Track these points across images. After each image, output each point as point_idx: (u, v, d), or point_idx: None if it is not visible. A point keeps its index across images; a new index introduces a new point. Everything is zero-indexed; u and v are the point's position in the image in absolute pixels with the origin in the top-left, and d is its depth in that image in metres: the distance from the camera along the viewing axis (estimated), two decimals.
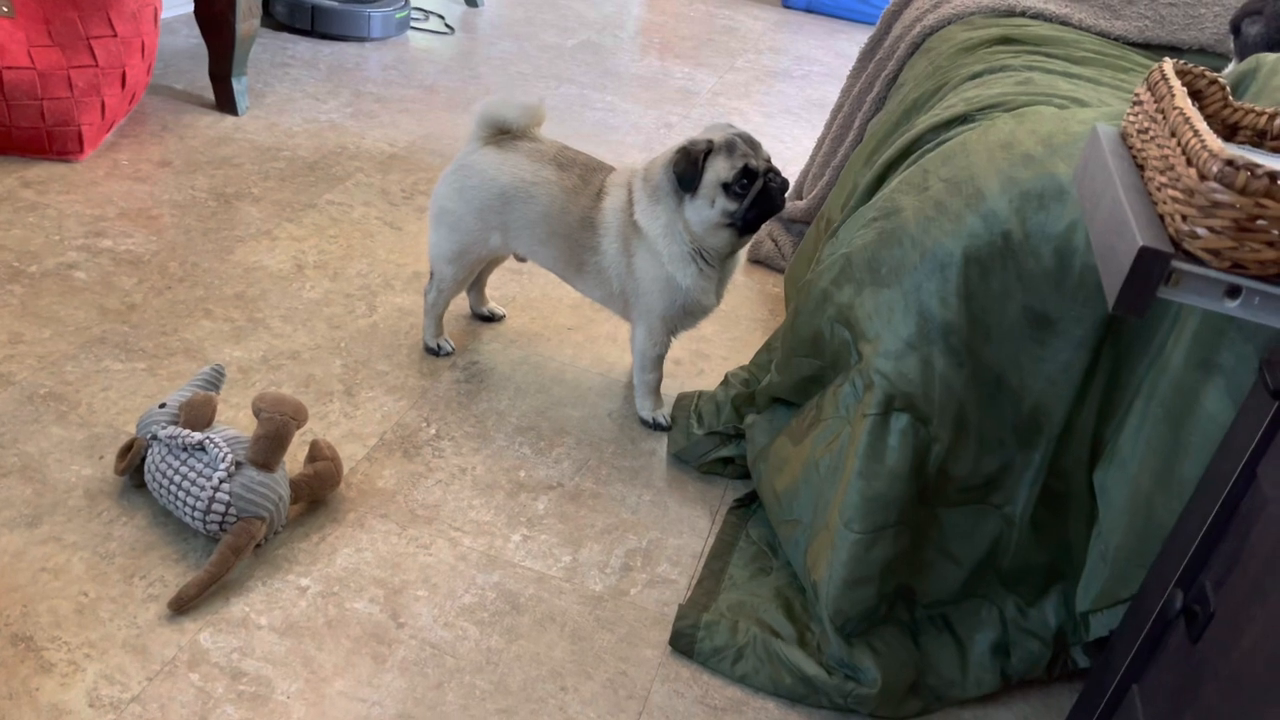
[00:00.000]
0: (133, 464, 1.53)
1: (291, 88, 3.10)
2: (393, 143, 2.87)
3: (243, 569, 1.46)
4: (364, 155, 2.77)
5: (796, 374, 1.64)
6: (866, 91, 2.32)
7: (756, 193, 1.70)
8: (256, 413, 1.50)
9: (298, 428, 1.51)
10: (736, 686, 1.43)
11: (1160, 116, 0.85)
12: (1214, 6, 2.00)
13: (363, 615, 1.43)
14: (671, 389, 2.03)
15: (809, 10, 5.17)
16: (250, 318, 2.01)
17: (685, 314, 1.84)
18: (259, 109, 2.91)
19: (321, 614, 1.42)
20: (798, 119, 3.68)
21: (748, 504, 1.76)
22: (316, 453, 1.60)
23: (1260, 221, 0.71)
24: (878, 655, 1.39)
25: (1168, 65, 0.93)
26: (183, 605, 1.37)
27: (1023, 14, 2.05)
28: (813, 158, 2.68)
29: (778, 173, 1.72)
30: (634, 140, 3.23)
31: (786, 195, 2.87)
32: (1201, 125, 0.77)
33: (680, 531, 1.69)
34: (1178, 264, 0.73)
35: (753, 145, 1.72)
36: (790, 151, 3.35)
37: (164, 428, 1.51)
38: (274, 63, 3.27)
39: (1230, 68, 1.49)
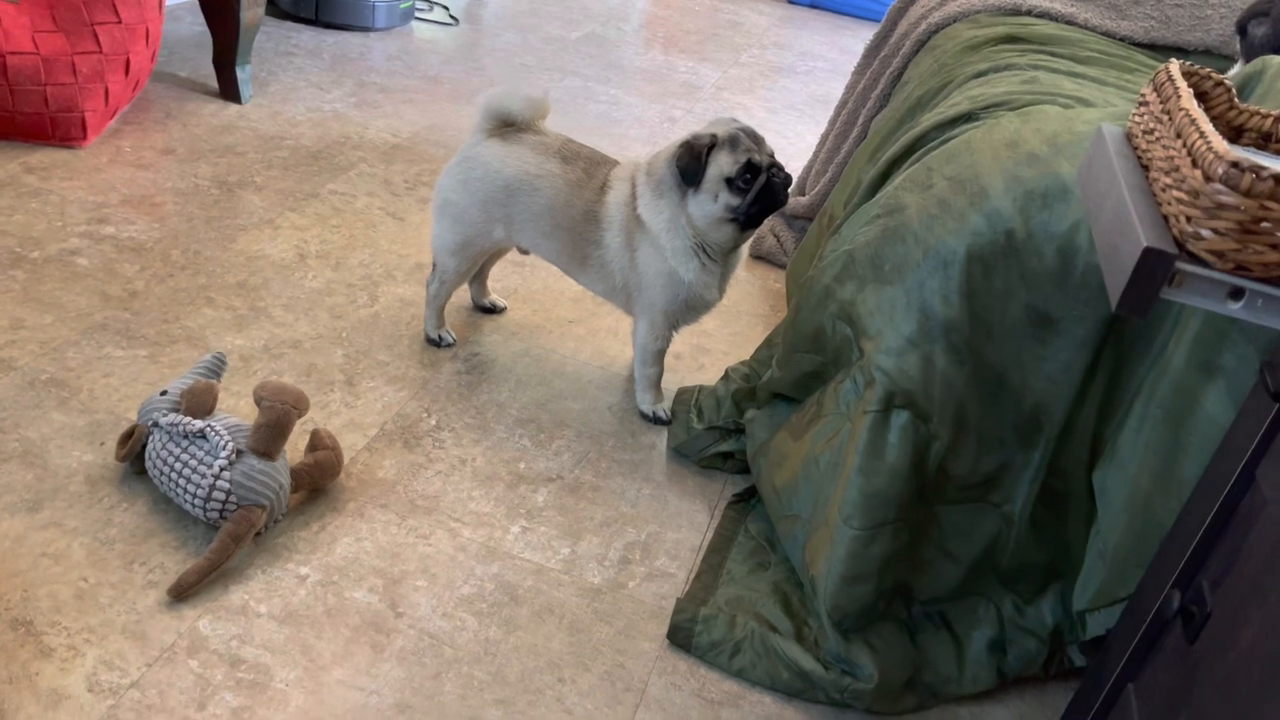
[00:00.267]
0: (133, 451, 1.53)
1: (295, 77, 3.10)
2: (396, 133, 2.87)
3: (242, 557, 1.46)
4: (367, 145, 2.76)
5: (797, 370, 1.64)
6: (871, 88, 2.32)
7: (760, 188, 1.70)
8: (258, 401, 1.50)
9: (299, 417, 1.51)
10: (733, 680, 1.44)
11: (1166, 118, 0.85)
12: (1220, 8, 2.00)
13: (362, 605, 1.43)
14: (672, 383, 2.03)
15: (814, 6, 5.17)
16: (252, 306, 2.01)
17: (687, 309, 1.84)
18: (262, 97, 2.91)
19: (321, 603, 1.42)
20: (801, 115, 3.68)
21: (747, 499, 1.76)
22: (317, 442, 1.60)
23: (1264, 224, 0.71)
24: (874, 651, 1.40)
25: (1174, 66, 0.93)
26: (182, 592, 1.37)
27: (1028, 13, 2.05)
28: (816, 154, 2.68)
29: (781, 168, 1.72)
30: (637, 134, 3.23)
31: (789, 191, 2.87)
32: (1207, 127, 0.77)
33: (679, 525, 1.70)
34: (1181, 265, 0.73)
35: (756, 140, 1.72)
36: (794, 147, 3.35)
37: (165, 415, 1.51)
38: (278, 51, 3.26)
39: (1236, 69, 1.49)
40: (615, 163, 1.87)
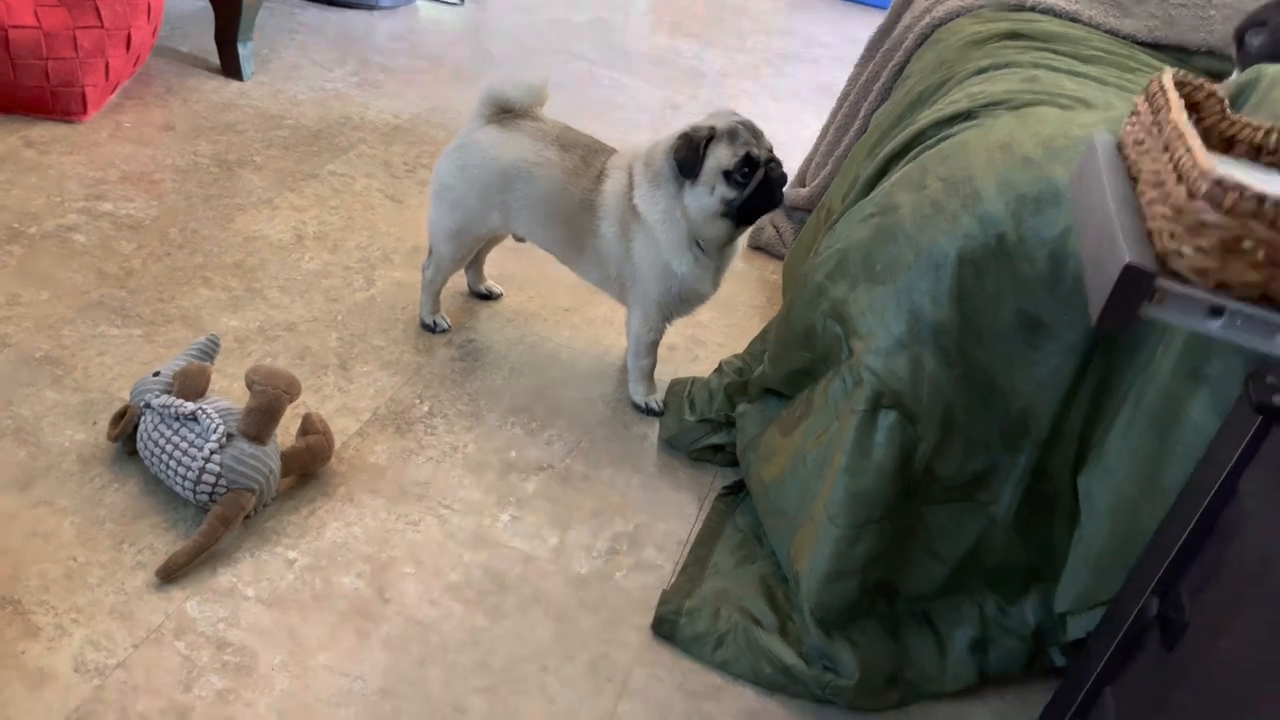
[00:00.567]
0: (125, 431, 1.54)
1: (298, 54, 3.09)
2: (397, 114, 2.86)
3: (231, 540, 1.47)
4: (368, 126, 2.76)
5: (788, 366, 1.64)
6: (873, 81, 2.31)
7: (757, 182, 1.70)
8: (250, 385, 1.50)
9: (290, 401, 1.52)
10: (716, 673, 1.45)
11: (1155, 130, 0.85)
12: (1224, 9, 1.99)
13: (349, 590, 1.44)
14: (666, 374, 2.03)
15: None
16: (248, 287, 2.02)
17: (681, 301, 1.84)
18: (264, 75, 2.90)
19: (308, 587, 1.43)
20: (806, 103, 3.66)
21: (736, 492, 1.77)
22: (309, 426, 1.61)
23: (1246, 243, 0.71)
24: (856, 648, 1.41)
25: (1167, 76, 0.92)
26: (171, 574, 1.38)
27: (1032, 9, 2.03)
28: (817, 145, 2.67)
29: (779, 163, 1.72)
30: (639, 119, 3.22)
31: (789, 181, 2.86)
32: (1195, 142, 0.77)
33: (668, 517, 1.71)
34: (1162, 282, 0.73)
35: (755, 134, 1.71)
36: (797, 137, 3.33)
37: (158, 396, 1.52)
38: (281, 28, 3.25)
39: (1233, 77, 1.48)
40: (613, 151, 1.86)
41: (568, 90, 3.31)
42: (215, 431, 1.45)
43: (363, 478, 1.64)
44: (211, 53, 2.92)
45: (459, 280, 2.16)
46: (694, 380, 1.96)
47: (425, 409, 1.82)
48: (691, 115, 3.36)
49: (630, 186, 1.78)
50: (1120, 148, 0.93)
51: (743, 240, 1.86)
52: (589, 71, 3.50)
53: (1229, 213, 0.70)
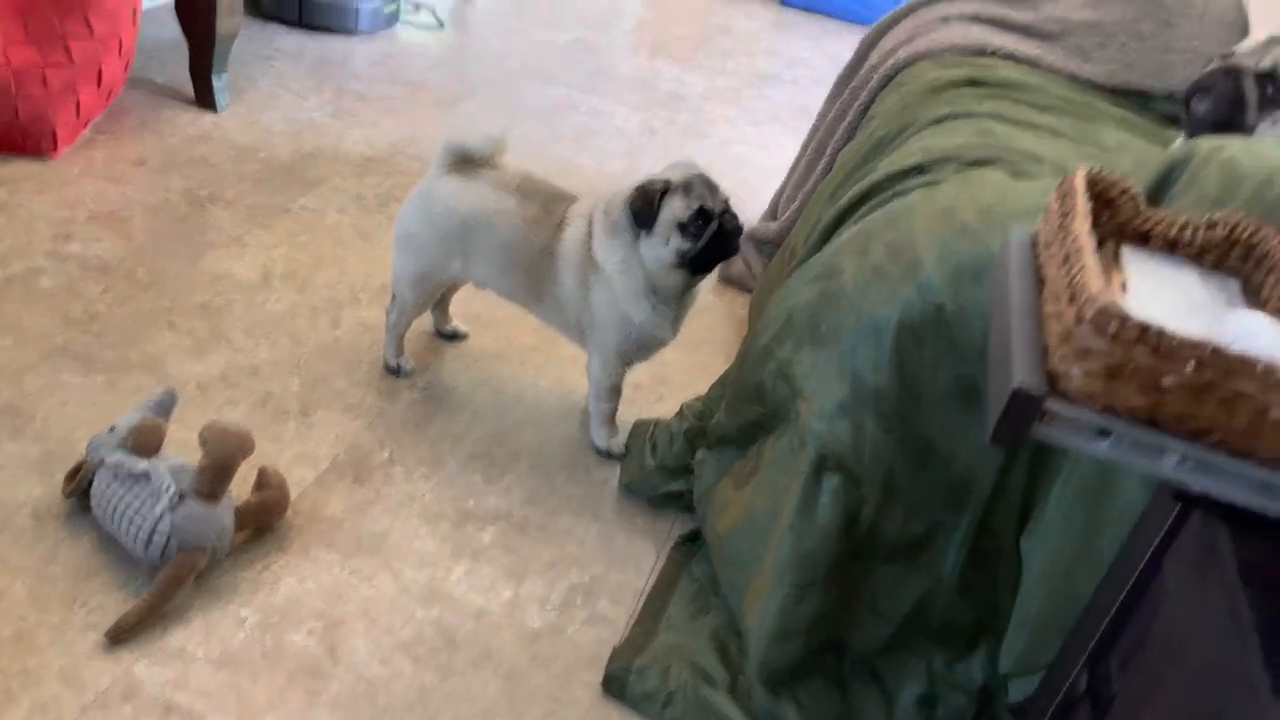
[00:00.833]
0: (80, 486, 1.55)
1: (274, 83, 3.10)
2: (372, 144, 2.87)
3: (183, 598, 1.48)
4: (342, 157, 2.77)
5: (742, 418, 1.65)
6: (839, 119, 2.32)
7: (711, 234, 1.71)
8: (202, 443, 1.51)
9: (243, 458, 1.53)
10: None
11: (1061, 236, 0.86)
12: (1184, 54, 2.00)
13: (300, 648, 1.45)
14: (631, 414, 2.04)
15: (805, 9, 5.14)
16: (213, 330, 2.03)
17: (639, 348, 1.85)
18: (239, 105, 2.91)
19: (259, 646, 1.44)
20: (785, 127, 3.67)
21: (694, 539, 1.78)
22: (264, 480, 1.62)
23: (1130, 369, 0.72)
24: (801, 708, 1.42)
25: (1079, 176, 0.94)
26: (120, 635, 1.39)
27: (994, 54, 2.04)
28: (788, 178, 2.68)
29: (734, 215, 1.73)
30: (616, 146, 3.23)
31: (761, 214, 2.86)
32: (1090, 260, 0.78)
33: (624, 566, 1.72)
34: (1051, 404, 0.74)
35: (710, 187, 1.72)
36: (774, 162, 3.34)
37: (111, 453, 1.53)
38: (259, 55, 3.26)
39: (1180, 141, 1.50)
40: (574, 199, 1.87)
41: (545, 116, 3.32)
42: (167, 491, 1.46)
43: (319, 530, 1.65)
44: (187, 83, 2.93)
45: (425, 321, 2.17)
46: (657, 423, 1.97)
47: (385, 456, 1.83)
48: (669, 141, 3.37)
49: (589, 236, 1.80)
50: (1034, 245, 0.94)
51: (707, 282, 1.86)
52: (567, 96, 3.51)
53: (1113, 340, 0.71)
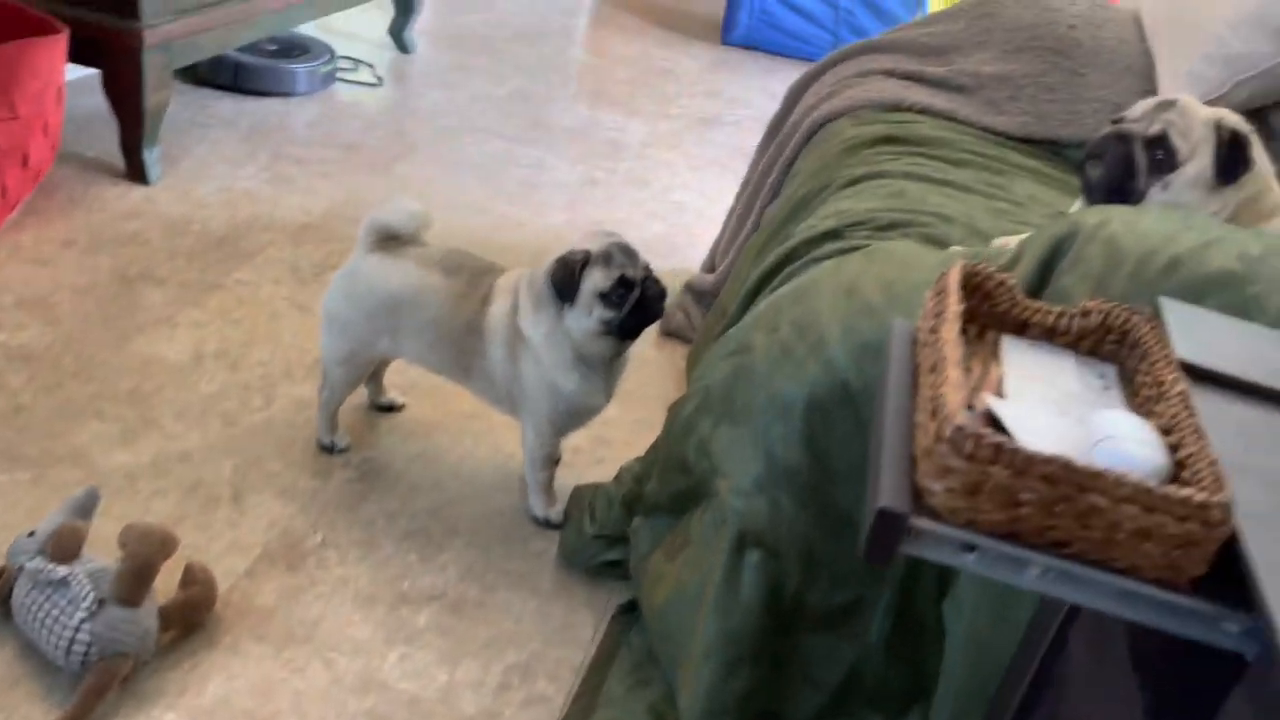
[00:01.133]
0: (2, 594, 1.52)
1: (209, 151, 3.09)
2: (308, 211, 2.87)
3: (108, 705, 1.46)
4: (277, 225, 2.76)
5: (672, 487, 1.66)
6: (766, 175, 2.35)
7: (634, 302, 1.72)
8: (121, 546, 1.50)
9: (165, 559, 1.51)
10: None
11: (933, 338, 0.88)
12: (1092, 103, 2.05)
13: None
14: (571, 478, 2.04)
15: (747, 47, 5.21)
16: (142, 416, 2.01)
17: (571, 417, 1.86)
18: (172, 176, 2.90)
19: None
20: (725, 170, 3.71)
21: (633, 608, 1.78)
22: (190, 577, 1.60)
23: (988, 486, 0.73)
24: None
25: (955, 273, 0.95)
26: None
27: (909, 108, 2.08)
28: (724, 229, 2.71)
29: (655, 281, 1.75)
30: (557, 200, 3.24)
31: (702, 262, 2.88)
32: (953, 372, 0.80)
33: (563, 641, 1.71)
34: (915, 521, 0.75)
35: (629, 255, 1.74)
36: (715, 208, 3.37)
37: (31, 559, 1.51)
38: (193, 122, 3.25)
39: (1078, 204, 1.53)
40: (501, 271, 1.88)
41: (485, 171, 3.33)
42: (86, 599, 1.44)
43: (249, 622, 1.63)
44: (118, 155, 2.91)
45: (361, 394, 2.16)
46: (597, 488, 1.96)
47: (318, 539, 1.81)
48: (610, 191, 3.40)
49: (515, 309, 1.80)
50: (914, 341, 0.96)
51: (649, 335, 1.87)
52: (508, 149, 3.53)
53: (970, 459, 0.73)
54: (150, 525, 1.53)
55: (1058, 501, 0.73)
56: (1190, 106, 1.40)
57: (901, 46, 2.26)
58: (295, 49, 3.66)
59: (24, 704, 1.44)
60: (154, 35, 2.64)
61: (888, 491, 0.75)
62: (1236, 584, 0.73)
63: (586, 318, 1.73)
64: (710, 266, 2.72)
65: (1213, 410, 0.87)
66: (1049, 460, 0.72)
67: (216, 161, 3.04)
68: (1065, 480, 0.72)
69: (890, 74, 2.18)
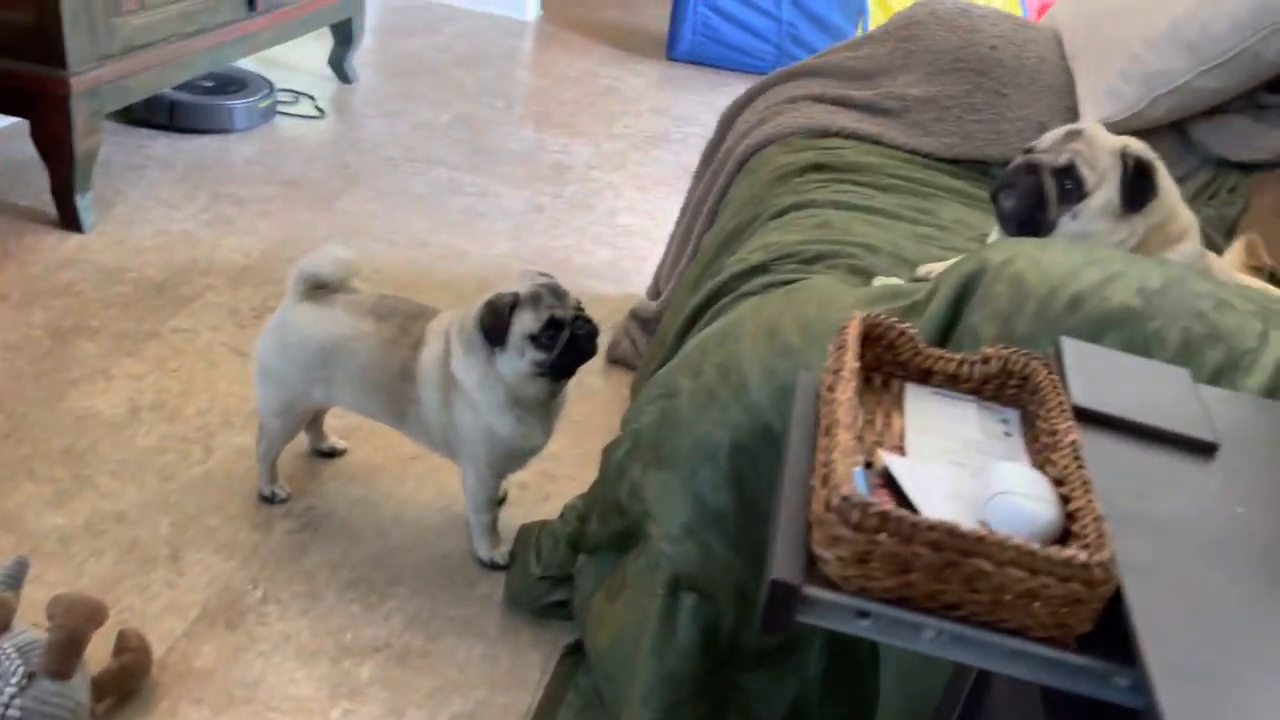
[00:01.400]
0: None
1: (145, 194, 3.05)
2: (247, 252, 2.84)
3: None
4: (216, 269, 2.73)
5: (610, 527, 1.65)
6: (702, 202, 2.36)
7: (565, 342, 1.72)
8: (50, 617, 1.47)
9: (95, 629, 1.49)
10: None
11: (829, 397, 0.89)
12: (1016, 122, 2.08)
13: None
14: (517, 517, 2.03)
15: (693, 62, 5.23)
16: (76, 475, 1.97)
17: (509, 460, 1.85)
18: (107, 222, 2.86)
19: None
20: (672, 190, 3.72)
21: (580, 649, 1.77)
22: (124, 644, 1.57)
23: (877, 554, 0.74)
24: None
25: (854, 326, 0.96)
26: None
27: (838, 133, 2.10)
28: (667, 253, 2.72)
29: (586, 321, 1.75)
30: (501, 228, 3.24)
31: (647, 287, 2.88)
32: (844, 435, 0.80)
33: (510, 686, 1.70)
34: (809, 590, 0.75)
35: (559, 295, 1.74)
36: (661, 230, 3.37)
37: None
38: (128, 164, 3.21)
39: (995, 234, 1.55)
40: (434, 315, 1.87)
41: (428, 202, 3.32)
42: (15, 674, 1.41)
43: (187, 686, 1.61)
44: (50, 204, 2.87)
45: (302, 440, 2.14)
46: (543, 526, 1.95)
47: (259, 595, 1.79)
48: (555, 216, 3.40)
49: (447, 353, 1.79)
50: (818, 395, 0.97)
51: (573, 385, 1.86)
52: (451, 178, 3.52)
53: (857, 529, 0.73)
54: (78, 595, 1.51)
55: (945, 567, 0.73)
56: (1097, 136, 1.43)
57: (829, 71, 2.28)
58: (232, 84, 3.63)
59: None
60: (81, 82, 2.60)
61: (780, 562, 0.75)
62: (1125, 638, 0.74)
63: (518, 360, 1.73)
64: (655, 292, 2.72)
65: (1105, 456, 0.88)
66: (933, 527, 0.73)
67: (153, 204, 3.00)
68: (950, 546, 0.73)
69: (819, 99, 2.20)
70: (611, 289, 3.00)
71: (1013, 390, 1.00)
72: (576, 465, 2.24)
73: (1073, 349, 1.03)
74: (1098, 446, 0.89)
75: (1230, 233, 1.89)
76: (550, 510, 2.08)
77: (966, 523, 0.78)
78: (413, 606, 1.82)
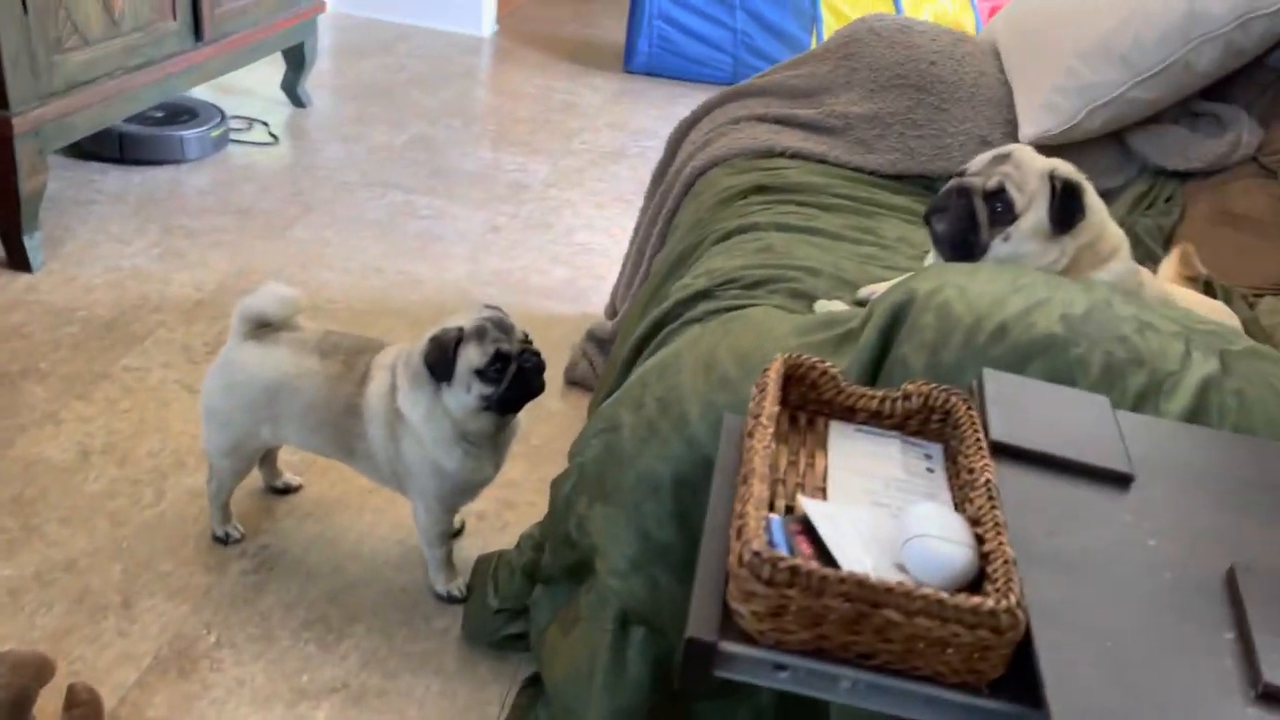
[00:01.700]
0: None
1: (95, 230, 3.02)
2: (200, 286, 2.81)
3: None
4: (168, 305, 2.71)
5: (562, 560, 1.65)
6: (653, 224, 2.37)
7: (511, 376, 1.72)
8: None
9: (42, 686, 1.47)
10: None
11: (747, 443, 0.89)
12: (958, 137, 2.10)
13: None
14: (475, 547, 2.03)
15: (650, 74, 5.24)
16: (25, 525, 1.95)
17: (459, 494, 1.85)
18: (56, 261, 2.83)
19: None
20: (629, 206, 3.72)
21: (538, 681, 1.77)
22: (73, 699, 1.55)
23: (791, 608, 0.74)
24: None
25: (775, 368, 0.97)
26: None
27: (782, 153, 2.11)
28: (621, 273, 2.72)
29: (533, 354, 1.74)
30: (458, 251, 3.23)
31: (605, 307, 2.88)
32: (758, 486, 0.81)
33: None
34: (725, 646, 0.76)
35: (504, 329, 1.74)
36: (619, 248, 3.38)
37: None
38: (78, 200, 3.17)
39: (931, 258, 1.56)
40: (379, 349, 1.86)
41: (384, 227, 3.30)
42: None
43: None
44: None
45: (256, 477, 2.13)
46: (499, 556, 1.95)
47: (212, 640, 1.78)
48: (511, 237, 3.39)
49: (393, 388, 1.79)
50: (743, 439, 0.97)
51: (523, 417, 1.86)
52: (407, 202, 3.51)
53: (769, 584, 0.74)
54: (24, 652, 1.49)
55: (857, 618, 0.74)
56: (1025, 158, 1.44)
57: (772, 90, 2.29)
58: (184, 114, 3.60)
59: None
60: (24, 122, 2.57)
61: (696, 619, 0.75)
62: (1036, 682, 0.74)
63: (465, 395, 1.72)
64: (612, 311, 2.73)
65: (1021, 491, 0.90)
66: (844, 580, 0.74)
67: (103, 240, 2.97)
68: (860, 598, 0.73)
69: (762, 119, 2.22)
70: (569, 309, 3.00)
71: (936, 425, 1.01)
72: (535, 492, 2.24)
73: (994, 381, 1.04)
74: (1013, 482, 0.90)
75: (1168, 242, 1.92)
76: (508, 540, 2.07)
77: (885, 567, 0.79)
78: (370, 644, 1.81)
